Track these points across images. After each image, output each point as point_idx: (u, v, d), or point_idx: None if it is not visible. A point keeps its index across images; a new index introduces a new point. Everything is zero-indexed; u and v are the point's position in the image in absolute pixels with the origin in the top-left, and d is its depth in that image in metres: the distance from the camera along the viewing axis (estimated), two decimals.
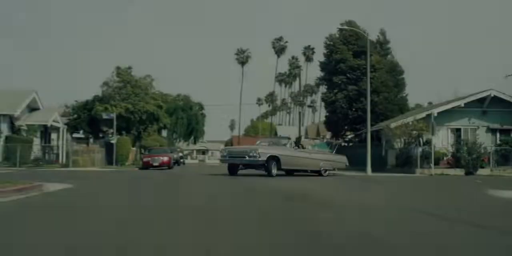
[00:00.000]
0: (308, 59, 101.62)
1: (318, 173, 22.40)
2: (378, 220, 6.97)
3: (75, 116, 48.52)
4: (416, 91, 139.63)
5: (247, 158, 19.44)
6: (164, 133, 65.24)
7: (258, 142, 23.25)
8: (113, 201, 9.86)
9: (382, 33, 44.22)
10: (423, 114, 30.51)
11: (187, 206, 8.59)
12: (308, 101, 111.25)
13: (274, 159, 19.57)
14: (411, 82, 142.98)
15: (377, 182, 18.85)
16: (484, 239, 5.47)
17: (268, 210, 7.99)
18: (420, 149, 28.38)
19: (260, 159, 19.17)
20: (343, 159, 24.70)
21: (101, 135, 49.80)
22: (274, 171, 19.64)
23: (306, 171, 22.71)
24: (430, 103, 56.55)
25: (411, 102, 71.04)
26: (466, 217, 7.44)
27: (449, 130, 31.16)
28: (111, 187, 14.43)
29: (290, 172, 22.03)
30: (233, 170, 20.61)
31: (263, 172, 20.41)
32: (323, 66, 45.18)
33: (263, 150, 19.57)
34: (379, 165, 32.06)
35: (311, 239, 5.07)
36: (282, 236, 5.23)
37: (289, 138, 23.11)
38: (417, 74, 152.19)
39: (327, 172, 22.83)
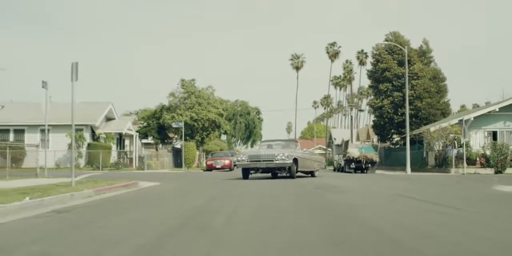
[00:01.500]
0: (362, 63, 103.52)
1: (311, 173, 22.95)
2: (365, 199, 10.46)
3: (145, 124, 53.39)
4: (475, 92, 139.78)
5: (274, 161, 19.55)
6: (224, 137, 69.39)
7: (257, 147, 23.68)
8: (197, 190, 13.71)
9: (425, 42, 46.63)
10: (456, 120, 32.84)
11: (258, 191, 12.49)
12: (363, 103, 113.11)
13: (295, 161, 20.00)
14: (469, 84, 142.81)
15: (403, 179, 21.16)
16: (426, 209, 8.56)
17: (305, 191, 12.82)
18: (455, 151, 30.67)
19: (287, 161, 19.48)
20: (323, 160, 26.84)
21: (166, 141, 54.37)
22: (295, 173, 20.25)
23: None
24: (487, 102, 58.50)
25: (469, 103, 73.16)
26: (435, 199, 10.13)
27: (486, 133, 33.44)
28: (189, 183, 17.85)
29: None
30: (246, 174, 20.65)
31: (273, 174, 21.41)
32: (370, 74, 47.94)
33: (289, 153, 19.86)
34: (421, 165, 34.90)
35: (321, 202, 9.63)
36: (309, 200, 10.18)
37: (296, 141, 23.63)
38: (475, 76, 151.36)
39: (317, 172, 23.31)
